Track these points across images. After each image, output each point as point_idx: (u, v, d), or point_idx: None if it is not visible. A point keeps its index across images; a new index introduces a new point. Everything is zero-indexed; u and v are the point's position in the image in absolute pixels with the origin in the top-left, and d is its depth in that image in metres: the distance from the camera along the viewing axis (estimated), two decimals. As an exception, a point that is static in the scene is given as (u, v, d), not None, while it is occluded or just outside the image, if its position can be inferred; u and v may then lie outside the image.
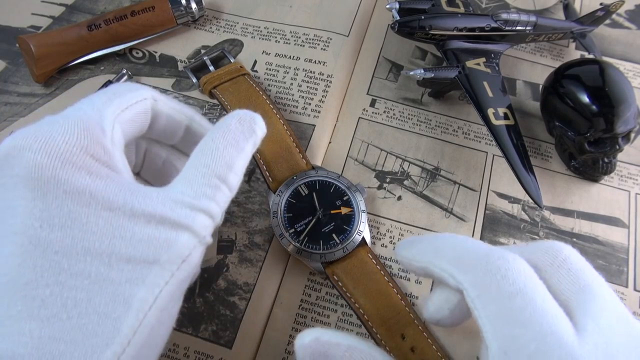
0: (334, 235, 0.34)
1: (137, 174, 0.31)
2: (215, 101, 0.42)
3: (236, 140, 0.25)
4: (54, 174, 0.20)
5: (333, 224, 0.35)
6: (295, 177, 0.36)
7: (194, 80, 0.43)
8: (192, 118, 0.28)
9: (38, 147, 0.21)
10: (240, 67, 0.42)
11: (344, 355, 0.22)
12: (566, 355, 0.19)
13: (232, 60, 0.44)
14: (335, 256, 0.33)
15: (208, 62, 0.43)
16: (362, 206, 0.35)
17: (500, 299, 0.21)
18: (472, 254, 0.23)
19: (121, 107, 0.25)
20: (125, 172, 0.23)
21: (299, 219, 0.35)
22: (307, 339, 0.23)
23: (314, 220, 0.35)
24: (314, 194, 0.36)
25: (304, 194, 0.36)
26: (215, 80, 0.41)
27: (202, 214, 0.23)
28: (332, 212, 0.35)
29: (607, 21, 0.48)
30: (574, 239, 0.38)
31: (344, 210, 0.35)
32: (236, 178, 0.25)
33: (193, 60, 0.45)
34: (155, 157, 0.30)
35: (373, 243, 0.37)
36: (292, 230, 0.34)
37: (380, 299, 0.32)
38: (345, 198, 0.36)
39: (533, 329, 0.19)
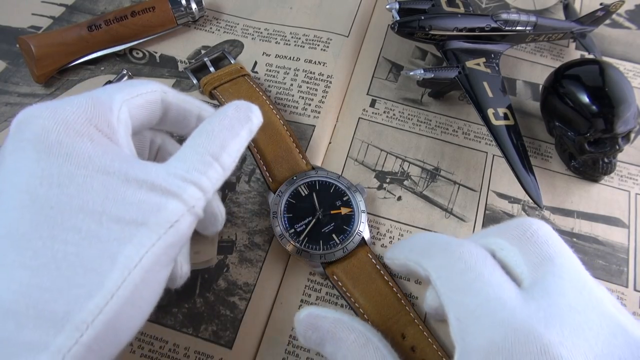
0: (333, 235, 0.34)
1: None
2: (215, 102, 0.42)
3: (232, 125, 0.27)
4: (58, 137, 0.23)
5: (333, 224, 0.35)
6: (295, 178, 0.36)
7: (194, 81, 0.43)
8: (201, 107, 0.30)
9: (47, 114, 0.23)
10: (241, 67, 0.42)
11: (330, 326, 0.26)
12: (508, 315, 0.21)
13: (232, 61, 0.44)
14: (335, 256, 0.33)
15: (208, 63, 0.43)
16: (362, 206, 0.35)
17: (455, 276, 0.24)
18: (436, 245, 0.26)
19: (131, 94, 0.27)
20: (126, 147, 0.25)
21: (299, 220, 0.35)
22: (302, 314, 0.27)
23: (314, 220, 0.35)
24: (314, 194, 0.36)
25: (304, 194, 0.35)
26: (216, 81, 0.41)
27: (193, 186, 0.24)
28: (332, 212, 0.35)
29: (607, 21, 0.48)
30: (574, 239, 0.38)
31: (344, 211, 0.35)
32: (229, 159, 0.26)
33: (193, 61, 0.45)
34: (166, 155, 0.32)
35: (373, 243, 0.37)
36: (292, 230, 0.34)
37: (380, 299, 0.32)
38: (345, 198, 0.36)
39: (480, 297, 0.22)
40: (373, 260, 0.34)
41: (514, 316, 0.21)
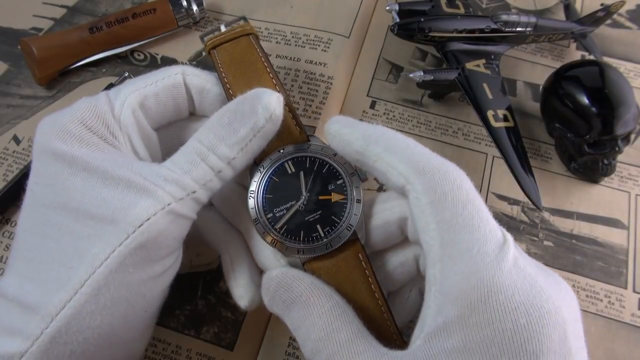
0: (318, 226, 0.28)
1: None
2: None
3: (230, 122, 0.26)
4: (49, 139, 0.24)
5: (319, 212, 0.28)
6: (281, 150, 0.29)
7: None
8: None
9: (48, 121, 0.25)
10: (249, 27, 0.34)
11: (304, 290, 0.24)
12: (502, 256, 0.21)
13: None
14: (316, 252, 0.27)
15: (222, 28, 0.35)
16: (358, 194, 0.28)
17: (454, 207, 0.22)
18: (428, 160, 0.24)
19: (143, 84, 0.27)
20: (124, 146, 0.26)
21: (280, 202, 0.28)
22: (276, 271, 0.26)
23: (296, 205, 0.28)
24: (302, 173, 0.29)
25: (290, 172, 0.29)
26: (217, 40, 0.33)
27: (172, 184, 0.24)
28: (321, 197, 0.28)
29: (608, 21, 0.48)
30: (573, 241, 0.38)
31: (335, 197, 0.28)
32: (218, 161, 0.25)
33: (195, 63, 0.45)
34: None
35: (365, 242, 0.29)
36: (271, 215, 0.28)
37: (362, 313, 0.26)
38: (339, 182, 0.28)
39: (479, 234, 0.21)
40: (363, 264, 0.27)
41: (505, 257, 0.21)
